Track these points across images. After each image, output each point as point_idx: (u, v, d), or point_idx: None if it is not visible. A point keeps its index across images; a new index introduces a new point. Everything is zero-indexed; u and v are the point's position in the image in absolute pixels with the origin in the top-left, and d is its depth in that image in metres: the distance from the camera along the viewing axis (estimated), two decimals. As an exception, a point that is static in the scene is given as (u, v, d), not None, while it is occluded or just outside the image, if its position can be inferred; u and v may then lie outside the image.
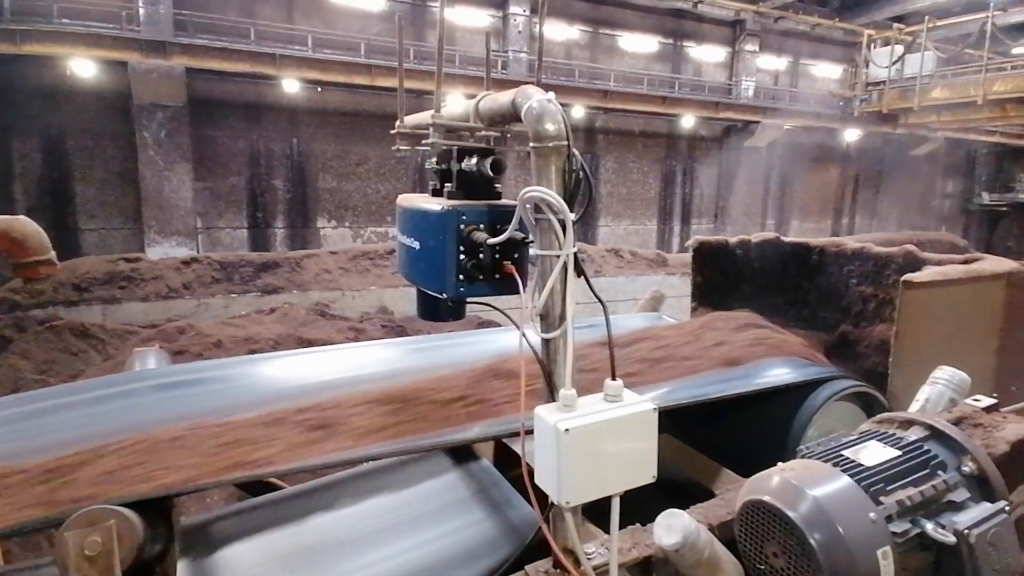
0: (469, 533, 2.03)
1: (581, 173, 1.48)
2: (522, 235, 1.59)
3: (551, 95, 1.49)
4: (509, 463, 2.43)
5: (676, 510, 1.45)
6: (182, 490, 1.78)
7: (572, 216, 1.45)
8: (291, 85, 13.26)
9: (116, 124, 12.54)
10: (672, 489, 2.14)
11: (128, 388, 2.37)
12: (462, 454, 2.47)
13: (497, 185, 1.77)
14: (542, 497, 1.42)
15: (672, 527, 1.40)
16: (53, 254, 9.98)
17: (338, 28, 14.13)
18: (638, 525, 1.66)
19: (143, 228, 12.61)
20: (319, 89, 13.88)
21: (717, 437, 2.62)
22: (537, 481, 1.42)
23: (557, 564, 1.51)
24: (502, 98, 1.62)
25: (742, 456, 2.31)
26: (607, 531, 1.49)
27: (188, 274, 11.32)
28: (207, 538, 2.00)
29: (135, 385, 2.41)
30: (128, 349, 6.69)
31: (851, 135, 20.81)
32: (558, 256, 1.45)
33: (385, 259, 12.76)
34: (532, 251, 1.52)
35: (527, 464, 1.50)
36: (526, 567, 1.58)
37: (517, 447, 1.89)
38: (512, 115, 1.58)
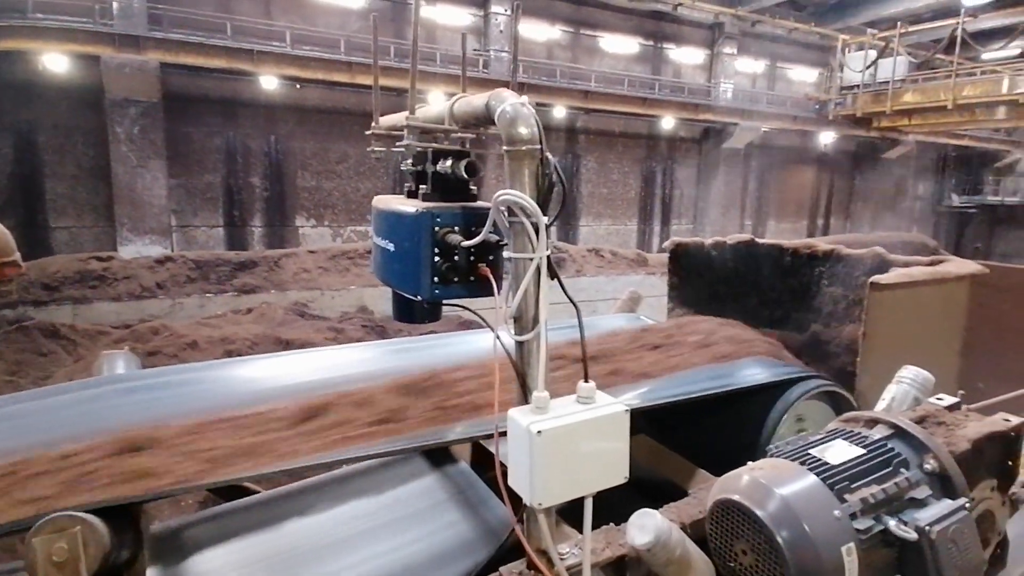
0: (445, 535, 2.03)
1: (555, 177, 1.49)
2: (496, 238, 1.59)
3: (524, 99, 1.50)
4: (486, 464, 2.43)
5: (649, 510, 1.46)
6: (152, 494, 1.75)
7: (545, 220, 1.45)
8: (269, 82, 13.06)
9: (88, 120, 12.22)
10: (648, 489, 2.16)
11: (94, 393, 2.32)
12: (439, 456, 2.46)
13: (472, 187, 1.77)
14: (516, 498, 1.43)
15: (645, 527, 1.41)
16: (18, 255, 9.72)
17: (317, 24, 13.98)
18: (612, 525, 1.67)
19: (115, 226, 12.32)
20: (298, 86, 13.70)
21: (691, 437, 2.65)
22: (510, 483, 1.43)
23: (531, 565, 1.51)
24: (476, 101, 1.62)
25: (716, 455, 2.34)
26: (581, 531, 1.50)
27: (162, 273, 11.12)
28: (178, 544, 1.96)
29: (101, 390, 2.36)
30: (99, 350, 6.54)
31: (826, 138, 21.22)
32: (531, 259, 1.45)
33: (365, 258, 12.68)
34: (506, 254, 1.52)
35: (501, 465, 1.51)
36: (500, 568, 1.58)
37: (493, 448, 1.90)
38: (486, 118, 1.58)
